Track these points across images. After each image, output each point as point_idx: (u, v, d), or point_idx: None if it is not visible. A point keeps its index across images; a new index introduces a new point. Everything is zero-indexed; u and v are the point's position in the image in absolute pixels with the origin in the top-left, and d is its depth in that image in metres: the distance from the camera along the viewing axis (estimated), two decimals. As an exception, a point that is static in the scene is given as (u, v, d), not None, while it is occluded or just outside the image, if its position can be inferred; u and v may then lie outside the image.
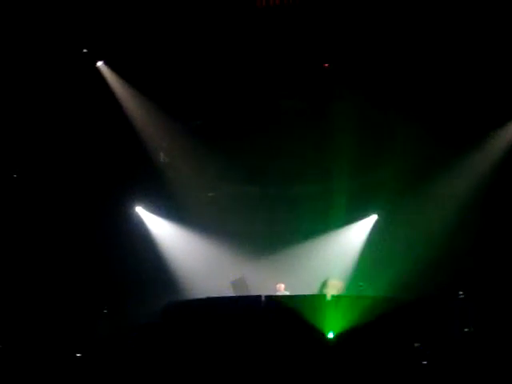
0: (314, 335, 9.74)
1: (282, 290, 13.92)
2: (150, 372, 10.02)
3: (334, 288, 13.16)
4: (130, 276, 15.42)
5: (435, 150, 13.98)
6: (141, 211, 15.77)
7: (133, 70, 12.11)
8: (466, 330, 14.99)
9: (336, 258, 15.82)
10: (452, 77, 12.40)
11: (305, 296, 11.43)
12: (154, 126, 13.23)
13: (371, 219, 16.29)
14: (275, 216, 16.19)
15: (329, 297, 11.10)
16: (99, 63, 12.03)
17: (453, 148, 13.90)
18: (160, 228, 15.98)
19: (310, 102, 13.71)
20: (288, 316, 9.99)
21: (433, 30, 11.58)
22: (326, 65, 12.71)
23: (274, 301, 10.41)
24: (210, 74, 12.12)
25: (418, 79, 12.52)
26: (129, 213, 15.45)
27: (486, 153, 13.93)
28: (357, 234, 16.48)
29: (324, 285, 13.00)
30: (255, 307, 10.07)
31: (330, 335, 9.82)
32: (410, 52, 11.97)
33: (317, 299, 10.74)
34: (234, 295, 13.99)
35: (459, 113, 13.10)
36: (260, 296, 10.36)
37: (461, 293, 16.14)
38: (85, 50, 11.41)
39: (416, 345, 10.61)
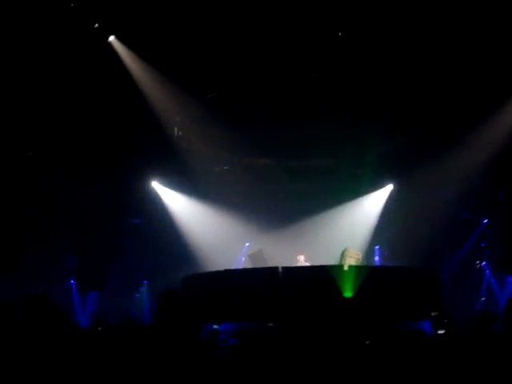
0: (330, 304, 9.79)
1: (302, 261, 13.94)
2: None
3: (353, 258, 13.17)
4: (149, 250, 15.66)
5: (447, 123, 13.88)
6: (156, 185, 15.86)
7: (145, 44, 12.00)
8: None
9: (353, 227, 15.90)
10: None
11: (322, 266, 11.49)
12: (167, 100, 13.17)
13: (387, 189, 16.34)
14: (292, 188, 16.24)
15: (347, 267, 11.17)
16: (111, 38, 11.94)
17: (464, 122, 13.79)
18: (176, 202, 16.08)
19: (323, 73, 13.56)
20: (305, 286, 10.05)
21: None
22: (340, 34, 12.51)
23: (291, 272, 10.45)
24: (223, 46, 11.99)
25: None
26: (145, 187, 15.56)
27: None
28: (373, 203, 16.53)
29: (343, 255, 13.02)
30: (273, 278, 10.12)
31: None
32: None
33: (334, 270, 10.74)
34: (252, 267, 14.14)
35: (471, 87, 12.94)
36: (277, 267, 10.41)
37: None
38: (96, 25, 11.30)
39: (433, 314, 10.64)
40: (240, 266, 15.09)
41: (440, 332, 9.97)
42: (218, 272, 11.53)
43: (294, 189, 16.21)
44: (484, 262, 17.12)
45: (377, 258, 15.22)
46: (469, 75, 12.64)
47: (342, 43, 12.51)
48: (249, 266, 14.49)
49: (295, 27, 11.95)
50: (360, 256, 13.96)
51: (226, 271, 11.43)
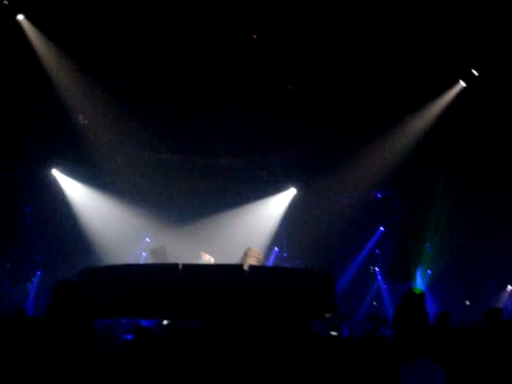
0: (229, 303, 9.80)
1: (205, 259, 13.95)
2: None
3: (254, 258, 13.33)
4: (46, 241, 15.14)
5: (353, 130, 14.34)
6: (56, 173, 15.32)
7: (56, 27, 11.57)
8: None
9: (257, 228, 16.11)
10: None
11: (222, 265, 11.51)
12: (74, 87, 12.77)
13: (290, 193, 16.69)
14: (197, 185, 16.20)
15: (247, 266, 11.25)
16: (20, 16, 11.41)
17: (371, 129, 14.29)
18: (76, 192, 15.61)
19: (234, 74, 13.64)
20: (205, 284, 10.02)
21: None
22: (255, 36, 12.62)
23: (191, 269, 10.39)
24: (137, 36, 11.77)
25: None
26: (43, 174, 14.99)
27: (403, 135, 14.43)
28: (275, 206, 16.83)
29: (245, 255, 13.16)
30: (172, 275, 10.01)
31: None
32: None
33: (233, 268, 10.78)
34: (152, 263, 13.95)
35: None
36: (177, 264, 10.31)
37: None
38: (5, 2, 10.77)
39: (327, 315, 10.92)
40: (141, 261, 14.88)
41: (333, 333, 10.25)
42: (116, 266, 11.30)
43: (199, 186, 16.19)
44: (377, 268, 17.87)
45: (271, 259, 15.48)
46: (372, 86, 13.07)
47: (256, 45, 12.64)
48: (150, 261, 14.31)
49: (210, 24, 11.94)
50: (261, 256, 14.16)
51: (124, 265, 11.21)
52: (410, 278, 16.81)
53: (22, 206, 15.23)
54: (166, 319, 10.31)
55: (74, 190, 15.62)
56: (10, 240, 14.77)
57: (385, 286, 17.93)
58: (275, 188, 16.55)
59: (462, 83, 13.07)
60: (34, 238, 15.37)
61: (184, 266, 10.10)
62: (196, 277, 10.15)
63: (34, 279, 15.41)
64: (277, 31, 12.30)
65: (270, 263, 15.15)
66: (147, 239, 15.95)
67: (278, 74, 13.54)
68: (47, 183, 15.05)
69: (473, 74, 12.75)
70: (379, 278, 18.06)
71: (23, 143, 13.73)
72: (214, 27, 12.02)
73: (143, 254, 15.41)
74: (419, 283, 17.03)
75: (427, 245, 17.18)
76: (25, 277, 15.27)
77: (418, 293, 6.09)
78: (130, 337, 8.54)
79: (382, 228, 17.49)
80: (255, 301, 9.93)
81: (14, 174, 13.92)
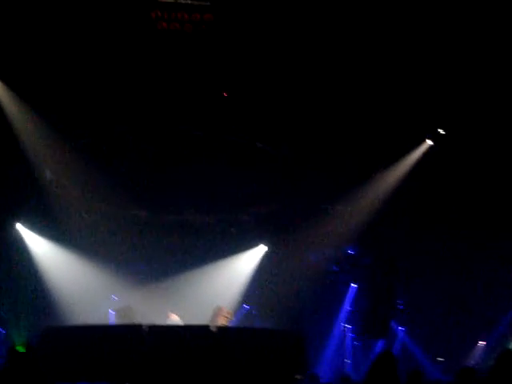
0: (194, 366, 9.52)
1: (173, 319, 13.67)
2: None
3: (224, 317, 13.14)
4: (8, 298, 14.67)
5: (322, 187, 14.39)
6: (20, 228, 14.95)
7: (21, 81, 11.51)
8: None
9: (226, 286, 15.89)
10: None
11: (188, 326, 11.28)
12: (41, 141, 12.63)
13: (260, 249, 16.55)
14: (165, 242, 15.96)
15: (214, 327, 11.02)
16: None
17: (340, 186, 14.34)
18: (41, 248, 15.21)
19: (206, 131, 13.68)
20: (170, 346, 9.73)
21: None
22: (225, 94, 12.71)
23: (156, 330, 10.09)
24: (103, 92, 11.74)
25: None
26: (8, 229, 14.63)
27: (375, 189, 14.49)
28: (246, 263, 16.65)
29: (215, 314, 12.96)
30: (136, 336, 9.70)
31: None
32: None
33: (200, 329, 10.51)
34: (116, 323, 13.60)
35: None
36: (141, 325, 10.03)
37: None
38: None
39: (298, 377, 10.67)
40: (109, 320, 14.46)
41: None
42: (78, 326, 10.96)
43: (167, 243, 15.96)
44: (350, 326, 17.66)
45: (237, 317, 15.19)
46: (341, 145, 13.19)
47: (227, 103, 12.72)
48: (116, 321, 13.97)
49: (184, 83, 12.01)
50: (231, 315, 13.92)
51: (87, 326, 10.86)
52: (383, 335, 16.64)
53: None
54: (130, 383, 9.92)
55: (39, 246, 15.22)
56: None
57: (358, 344, 17.70)
58: (245, 245, 16.40)
59: (429, 141, 13.25)
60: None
61: (149, 327, 9.83)
62: (162, 338, 9.86)
63: (-4, 339, 14.84)
64: (247, 89, 12.41)
65: (237, 321, 14.86)
66: (114, 297, 15.54)
67: (248, 132, 13.61)
68: (10, 237, 14.67)
69: (439, 132, 12.96)
70: (351, 335, 17.83)
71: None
72: (186, 84, 12.09)
73: (110, 311, 14.98)
74: (391, 340, 16.87)
75: (399, 301, 17.09)
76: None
77: (389, 353, 5.95)
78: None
79: (353, 285, 17.37)
80: (223, 363, 9.69)
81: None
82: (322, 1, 10.31)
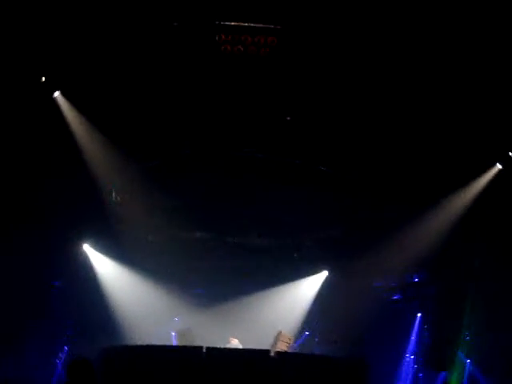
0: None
1: (234, 343, 13.66)
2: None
3: (285, 342, 13.03)
4: (74, 317, 14.96)
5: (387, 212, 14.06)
6: (87, 248, 15.30)
7: (90, 104, 11.83)
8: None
9: (288, 311, 15.76)
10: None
11: (248, 350, 11.20)
12: (107, 163, 12.92)
13: (322, 275, 16.32)
14: (227, 265, 15.97)
15: (275, 352, 10.91)
16: (56, 93, 11.68)
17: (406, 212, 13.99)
18: (105, 267, 15.51)
19: (269, 154, 13.69)
20: (229, 370, 9.66)
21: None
22: (288, 118, 12.72)
23: (216, 353, 10.05)
24: (168, 115, 11.94)
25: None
26: (75, 250, 14.98)
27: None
28: (308, 288, 16.45)
29: (276, 339, 12.87)
30: (195, 359, 9.70)
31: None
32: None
33: (261, 354, 10.39)
34: (177, 345, 13.65)
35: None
36: (201, 347, 10.03)
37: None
38: (43, 79, 11.06)
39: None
40: (170, 342, 14.55)
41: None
42: (138, 346, 11.06)
43: (230, 267, 15.96)
44: (413, 356, 17.13)
45: (298, 343, 14.96)
46: (408, 168, 12.93)
47: (289, 126, 12.71)
48: (178, 342, 14.05)
49: (246, 106, 12.09)
50: (292, 340, 13.77)
51: (147, 346, 10.91)
52: (447, 366, 16.04)
53: (51, 279, 15.14)
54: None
55: (104, 266, 15.54)
56: (38, 314, 14.63)
57: (421, 375, 17.12)
58: (307, 270, 16.21)
59: (499, 165, 12.82)
60: (62, 313, 15.18)
61: (208, 349, 9.81)
62: (220, 361, 9.81)
63: (61, 354, 15.14)
64: (309, 113, 12.38)
65: (296, 346, 14.65)
66: (176, 319, 15.64)
67: (311, 155, 13.54)
68: (78, 257, 15.01)
69: (510, 156, 12.53)
70: (415, 366, 17.28)
71: (56, 216, 13.79)
72: (249, 108, 12.16)
73: (172, 333, 15.07)
74: (457, 372, 16.23)
75: (466, 332, 16.45)
76: (52, 352, 15.02)
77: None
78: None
79: (419, 314, 16.87)
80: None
81: (44, 246, 13.90)
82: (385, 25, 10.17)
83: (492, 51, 10.51)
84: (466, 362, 16.98)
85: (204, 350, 9.78)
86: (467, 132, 12.00)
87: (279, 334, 13.29)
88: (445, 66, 10.97)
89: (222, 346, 12.51)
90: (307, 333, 15.94)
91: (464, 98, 11.46)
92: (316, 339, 15.96)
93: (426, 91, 11.45)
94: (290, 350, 13.24)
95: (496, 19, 9.90)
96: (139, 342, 13.13)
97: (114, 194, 14.01)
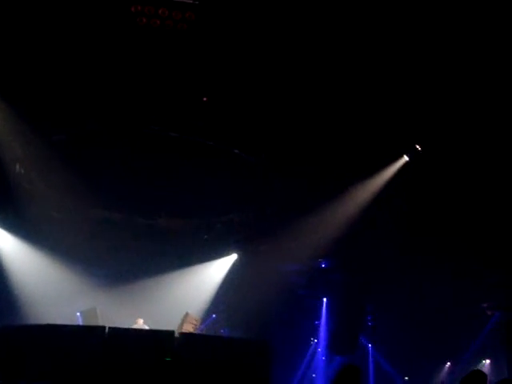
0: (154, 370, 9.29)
1: (140, 324, 13.52)
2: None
3: (191, 324, 13.02)
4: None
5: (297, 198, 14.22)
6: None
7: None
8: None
9: (196, 292, 15.72)
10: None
11: (152, 331, 11.10)
12: (12, 135, 12.31)
13: (231, 258, 16.38)
14: (136, 246, 15.67)
15: (180, 333, 10.87)
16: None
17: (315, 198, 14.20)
18: (7, 243, 14.83)
19: (183, 134, 13.44)
20: (131, 349, 9.52)
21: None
22: (205, 99, 12.52)
23: (118, 333, 9.87)
24: (77, 88, 11.46)
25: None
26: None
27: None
28: (216, 270, 16.47)
29: (182, 320, 12.81)
30: (97, 338, 9.48)
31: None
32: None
33: (164, 335, 10.30)
34: (81, 324, 13.35)
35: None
36: (104, 327, 9.83)
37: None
38: None
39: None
40: (77, 322, 14.15)
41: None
42: (36, 325, 10.73)
43: (138, 247, 15.68)
44: (317, 340, 17.56)
45: (204, 325, 14.97)
46: (318, 156, 13.07)
47: (205, 108, 12.52)
48: (81, 322, 13.73)
49: (162, 83, 11.78)
50: (198, 322, 13.79)
51: (45, 325, 10.55)
52: (350, 351, 16.53)
53: None
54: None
55: (5, 241, 14.86)
56: None
57: (323, 358, 17.59)
58: (216, 252, 16.19)
59: (406, 157, 13.22)
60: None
61: (110, 329, 9.62)
62: (123, 342, 9.64)
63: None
64: (228, 95, 12.23)
65: (203, 329, 14.65)
66: (78, 314, 15.19)
67: (225, 138, 13.42)
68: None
69: (416, 149, 12.93)
70: (319, 349, 17.72)
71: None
72: (165, 84, 11.86)
73: (77, 314, 14.66)
74: (359, 356, 16.77)
75: (369, 317, 17.01)
76: None
77: (354, 367, 5.83)
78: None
79: (324, 299, 17.28)
80: (186, 370, 9.46)
81: None
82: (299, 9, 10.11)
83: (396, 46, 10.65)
84: (368, 347, 17.63)
85: (107, 330, 9.57)
86: (376, 124, 12.23)
87: (186, 315, 13.27)
88: (354, 56, 11.01)
89: (128, 327, 12.33)
90: (214, 315, 15.97)
91: (374, 90, 11.63)
92: (221, 321, 16.03)
93: (336, 76, 11.46)
94: (196, 332, 13.25)
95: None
96: (41, 322, 12.70)
97: (18, 166, 13.35)
